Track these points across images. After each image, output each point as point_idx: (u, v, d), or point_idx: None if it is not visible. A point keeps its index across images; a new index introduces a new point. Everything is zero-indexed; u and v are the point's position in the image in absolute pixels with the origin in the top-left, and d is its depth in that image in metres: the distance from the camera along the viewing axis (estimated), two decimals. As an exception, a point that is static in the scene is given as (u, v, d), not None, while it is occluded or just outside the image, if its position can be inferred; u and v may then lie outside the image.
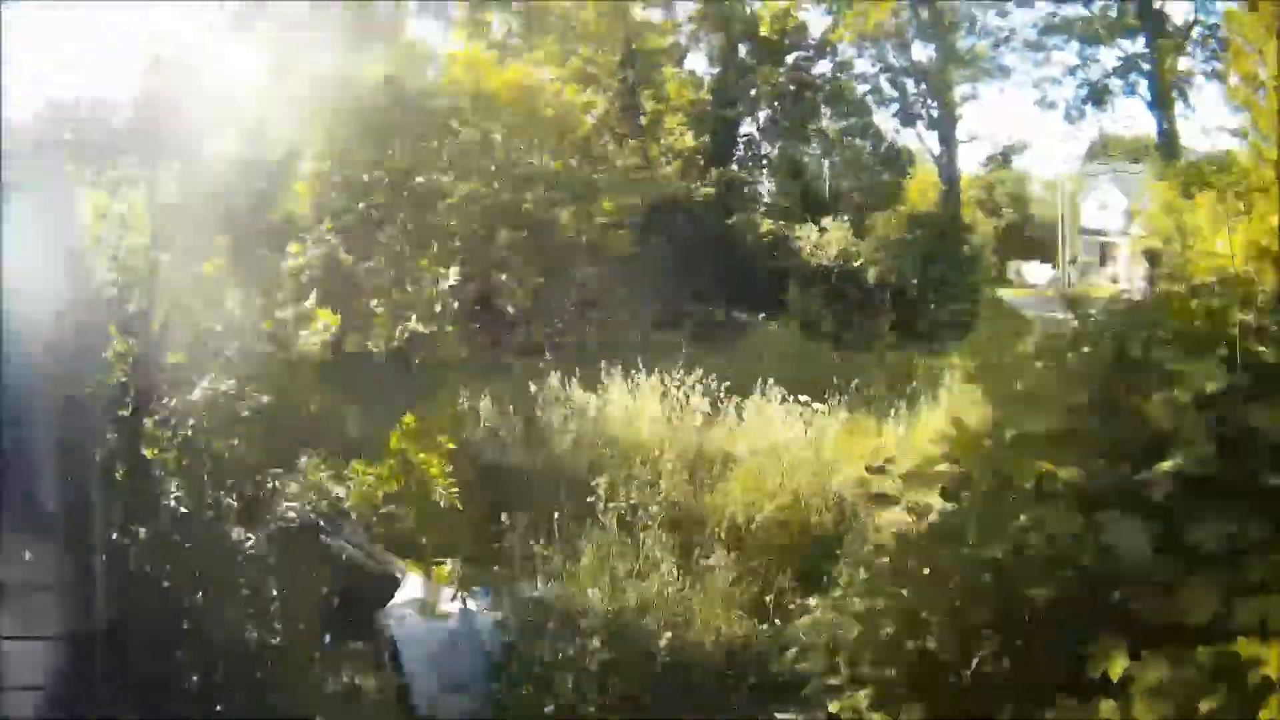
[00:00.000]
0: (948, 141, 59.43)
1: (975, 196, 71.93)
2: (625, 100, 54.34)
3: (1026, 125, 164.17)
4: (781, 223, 49.39)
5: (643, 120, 55.29)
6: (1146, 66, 56.16)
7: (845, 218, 48.24)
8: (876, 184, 54.55)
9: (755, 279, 45.94)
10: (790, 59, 57.96)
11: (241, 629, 12.68)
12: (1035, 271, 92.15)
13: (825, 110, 59.20)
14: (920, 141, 61.36)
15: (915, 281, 45.08)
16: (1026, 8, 59.68)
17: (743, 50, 57.16)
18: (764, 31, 54.62)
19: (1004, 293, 58.42)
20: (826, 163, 57.65)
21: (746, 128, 59.06)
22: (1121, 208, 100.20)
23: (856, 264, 45.37)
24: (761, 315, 43.82)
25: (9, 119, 11.93)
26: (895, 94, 59.95)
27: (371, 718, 14.73)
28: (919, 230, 48.05)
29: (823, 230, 47.27)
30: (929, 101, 58.96)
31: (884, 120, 59.89)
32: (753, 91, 56.57)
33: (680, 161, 53.49)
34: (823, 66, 59.59)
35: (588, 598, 16.35)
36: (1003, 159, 71.81)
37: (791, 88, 56.85)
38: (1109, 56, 58.57)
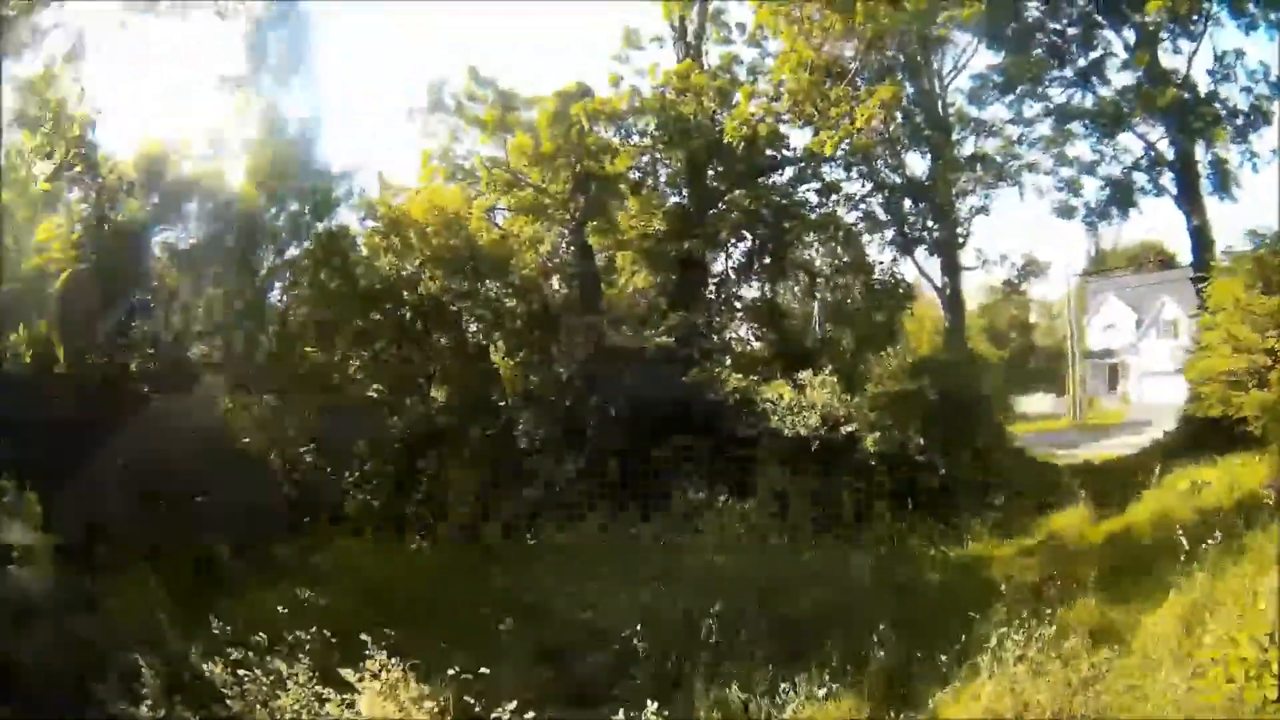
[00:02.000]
0: (952, 268, 50.71)
1: (981, 325, 62.90)
2: (574, 236, 46.84)
3: (1037, 239, 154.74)
4: (752, 379, 39.86)
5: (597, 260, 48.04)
6: (1170, 156, 46.20)
7: (829, 369, 38.74)
8: (870, 326, 45.02)
9: (719, 448, 37.14)
10: (767, 180, 49.68)
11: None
12: (1038, 403, 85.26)
13: (811, 239, 50.51)
14: (919, 271, 52.58)
15: (920, 441, 35.64)
16: (1033, 99, 49.33)
17: (711, 173, 48.60)
18: (729, 138, 45.40)
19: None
20: (814, 304, 48.62)
21: (720, 264, 50.71)
22: (1130, 324, 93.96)
23: (846, 429, 35.96)
24: (725, 495, 34.55)
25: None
26: (888, 216, 51.13)
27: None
28: (923, 380, 38.27)
29: (800, 387, 38.12)
30: (929, 222, 50.14)
31: (877, 249, 51.16)
32: (722, 221, 48.03)
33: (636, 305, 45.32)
34: (805, 186, 51.50)
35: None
36: (1018, 281, 57.21)
37: (767, 213, 48.00)
38: (1134, 147, 48.16)
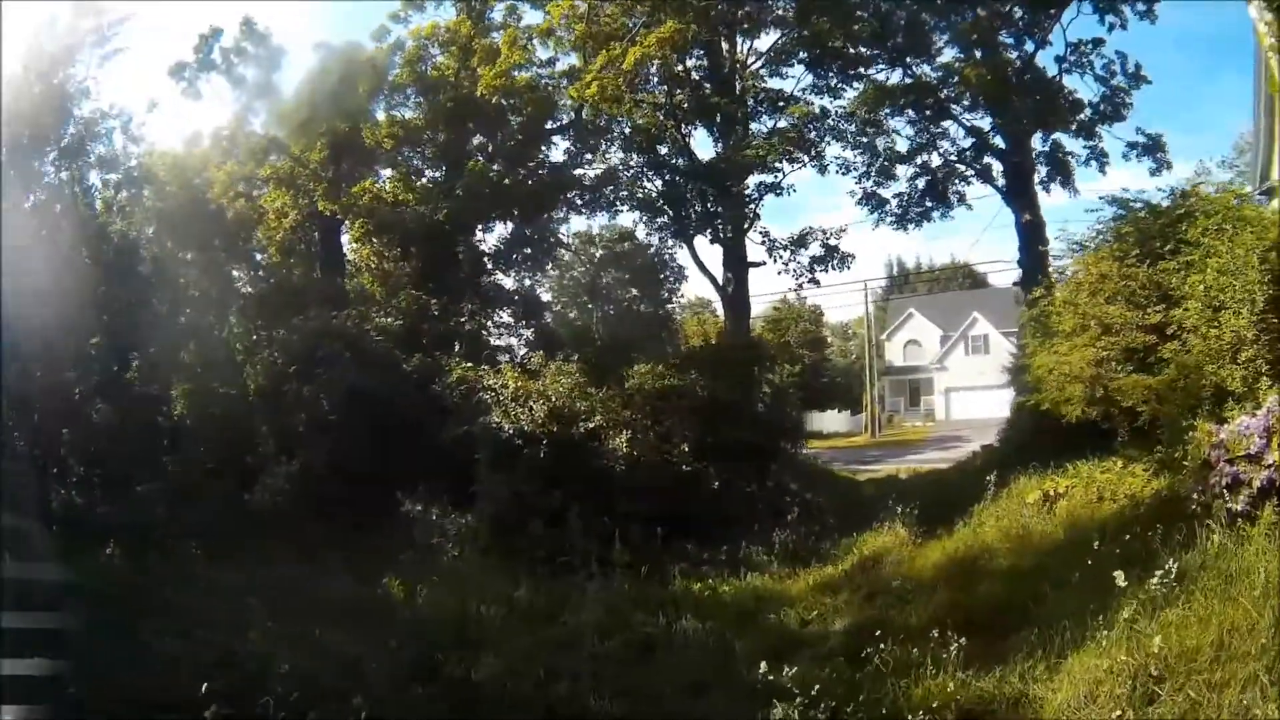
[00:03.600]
0: (737, 260, 44.92)
1: (768, 338, 56.97)
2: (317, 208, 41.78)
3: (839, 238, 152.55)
4: (482, 369, 33.38)
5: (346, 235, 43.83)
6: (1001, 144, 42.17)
7: (574, 356, 32.91)
8: (638, 318, 38.77)
9: (438, 449, 30.60)
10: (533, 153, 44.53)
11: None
12: (832, 421, 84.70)
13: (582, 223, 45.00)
14: (697, 263, 47.38)
15: (685, 448, 29.65)
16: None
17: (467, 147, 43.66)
18: (483, 90, 41.07)
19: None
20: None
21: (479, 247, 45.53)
22: (934, 340, 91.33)
23: (585, 426, 29.53)
24: (448, 505, 27.94)
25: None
26: (664, 198, 45.81)
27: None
28: (689, 374, 32.42)
29: (531, 375, 31.93)
30: (710, 205, 44.43)
31: (648, 234, 45.21)
32: (478, 196, 42.04)
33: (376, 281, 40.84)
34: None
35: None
36: (812, 269, 46.34)
37: (531, 190, 41.87)
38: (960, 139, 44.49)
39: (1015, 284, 41.45)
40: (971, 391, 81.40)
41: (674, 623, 19.10)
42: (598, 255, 41.14)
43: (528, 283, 47.24)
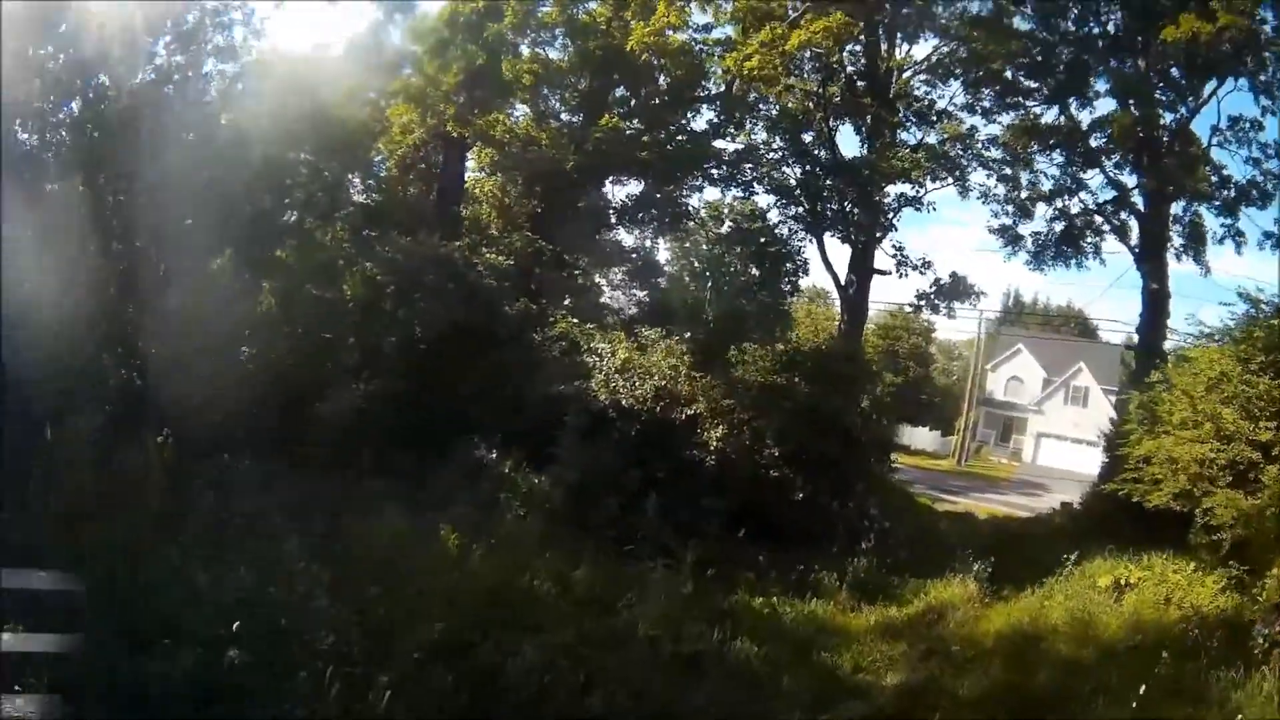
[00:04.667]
0: (863, 265, 43.23)
1: (877, 345, 55.15)
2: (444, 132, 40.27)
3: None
4: (587, 325, 32.21)
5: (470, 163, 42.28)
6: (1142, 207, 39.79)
7: (685, 334, 30.96)
8: (753, 303, 37.28)
9: (523, 400, 29.14)
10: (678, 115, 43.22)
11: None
12: (922, 437, 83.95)
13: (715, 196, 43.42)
14: (824, 260, 45.22)
15: (775, 452, 27.84)
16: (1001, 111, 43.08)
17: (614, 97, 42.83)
18: (634, 44, 39.52)
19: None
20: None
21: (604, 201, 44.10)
22: (1037, 381, 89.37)
23: (688, 411, 27.99)
24: (524, 461, 26.19)
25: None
26: (803, 188, 43.68)
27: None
28: (796, 373, 30.57)
29: (642, 347, 30.40)
30: (848, 204, 42.62)
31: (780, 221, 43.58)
32: (613, 149, 40.73)
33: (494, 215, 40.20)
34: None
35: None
36: (937, 299, 44.93)
37: (667, 145, 40.64)
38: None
39: (1127, 346, 39.93)
40: (1061, 442, 79.97)
41: (728, 641, 18.08)
42: (724, 231, 39.64)
43: (647, 245, 45.85)
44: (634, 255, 45.28)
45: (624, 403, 27.85)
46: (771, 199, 43.58)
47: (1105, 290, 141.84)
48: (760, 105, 44.02)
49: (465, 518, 21.76)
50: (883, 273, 43.98)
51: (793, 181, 43.65)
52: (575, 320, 32.18)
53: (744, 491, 26.49)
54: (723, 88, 43.92)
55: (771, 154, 44.38)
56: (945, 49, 43.17)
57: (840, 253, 44.04)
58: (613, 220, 44.95)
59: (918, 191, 42.64)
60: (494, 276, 32.92)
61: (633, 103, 43.27)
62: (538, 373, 29.76)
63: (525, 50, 43.44)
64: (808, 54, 41.27)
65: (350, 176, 35.53)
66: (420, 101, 40.57)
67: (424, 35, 39.92)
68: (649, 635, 17.57)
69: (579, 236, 40.54)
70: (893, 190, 42.45)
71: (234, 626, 12.89)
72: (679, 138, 43.48)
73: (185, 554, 15.19)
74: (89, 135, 25.73)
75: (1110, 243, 42.89)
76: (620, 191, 45.73)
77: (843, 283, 43.77)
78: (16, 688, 11.54)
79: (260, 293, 30.59)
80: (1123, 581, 22.03)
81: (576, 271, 38.73)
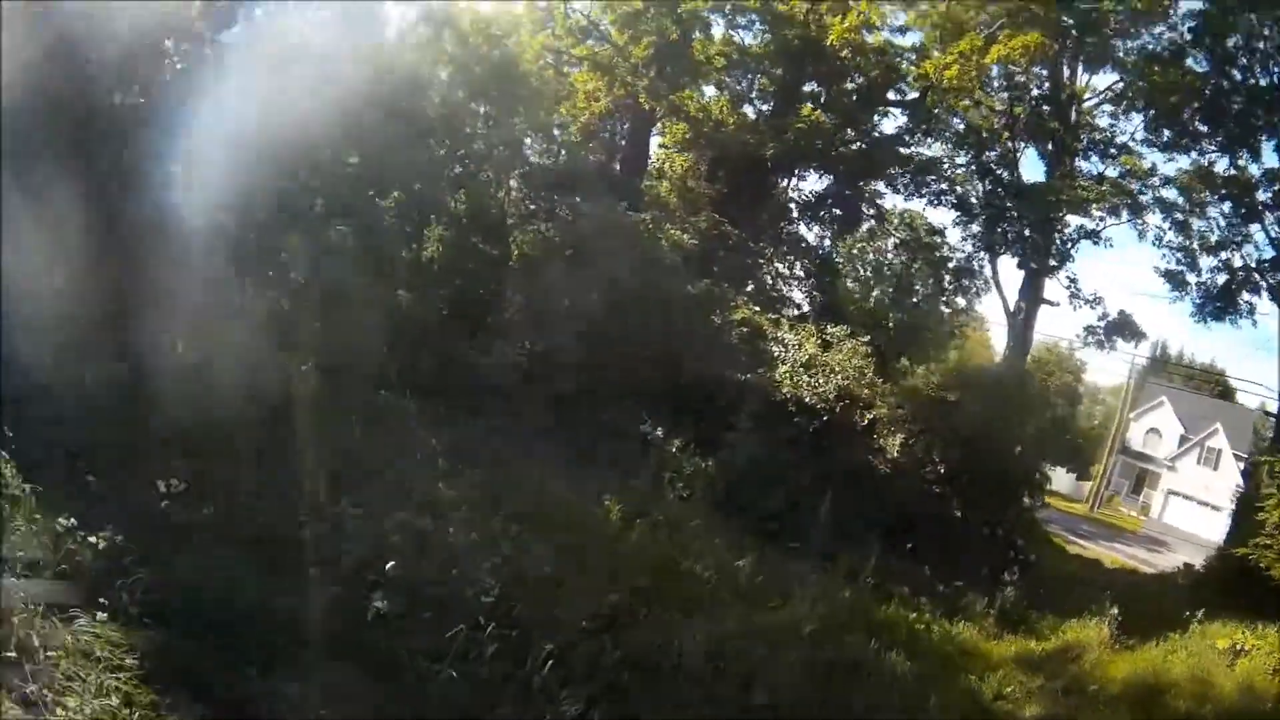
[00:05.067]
0: (1034, 291, 42.18)
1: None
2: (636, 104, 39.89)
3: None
4: (768, 314, 31.63)
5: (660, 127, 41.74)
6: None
7: (866, 337, 30.25)
8: (927, 316, 36.58)
9: (703, 382, 28.24)
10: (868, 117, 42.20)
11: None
12: (1060, 478, 79.54)
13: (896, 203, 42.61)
14: (994, 282, 44.08)
15: (940, 469, 27.35)
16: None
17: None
18: (833, 40, 38.71)
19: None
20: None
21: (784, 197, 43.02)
22: (1175, 436, 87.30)
23: (869, 415, 27.32)
24: (690, 443, 25.54)
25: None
26: (984, 206, 42.72)
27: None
28: (963, 394, 29.63)
29: (826, 344, 29.55)
30: (1026, 230, 41.34)
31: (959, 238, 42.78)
32: (803, 142, 39.56)
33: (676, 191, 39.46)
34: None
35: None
36: (1105, 337, 43.88)
37: (857, 145, 39.87)
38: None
39: (1264, 411, 38.42)
40: (1189, 502, 77.98)
41: (883, 653, 17.51)
42: (902, 239, 39.05)
43: (826, 243, 44.61)
44: (816, 251, 44.30)
45: (806, 398, 27.13)
46: (952, 214, 43.00)
47: (1254, 353, 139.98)
48: (950, 117, 43.41)
49: (630, 491, 21.41)
50: (1052, 304, 43.04)
51: (974, 199, 42.83)
52: (756, 309, 31.47)
53: (908, 504, 26.09)
54: (911, 94, 42.98)
55: (955, 169, 43.63)
56: (1123, 82, 42.27)
57: (1010, 278, 43.17)
58: (794, 214, 44.18)
59: (1097, 226, 41.75)
60: (677, 253, 32.45)
61: (823, 98, 42.16)
62: (715, 356, 29.02)
63: (718, 31, 42.87)
64: (994, 70, 40.66)
65: (529, 135, 35.41)
66: (608, 71, 40.06)
67: (616, 3, 39.64)
68: (811, 636, 16.96)
69: (762, 225, 39.90)
70: (1073, 220, 41.52)
71: (386, 567, 12.59)
72: (868, 139, 42.75)
73: (332, 483, 14.98)
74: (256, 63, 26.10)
75: (1263, 302, 41.30)
76: (803, 186, 44.90)
77: (1011, 309, 42.66)
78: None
79: (424, 240, 30.78)
80: (1238, 647, 21.99)
81: (761, 260, 38.12)
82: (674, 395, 27.17)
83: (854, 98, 42.09)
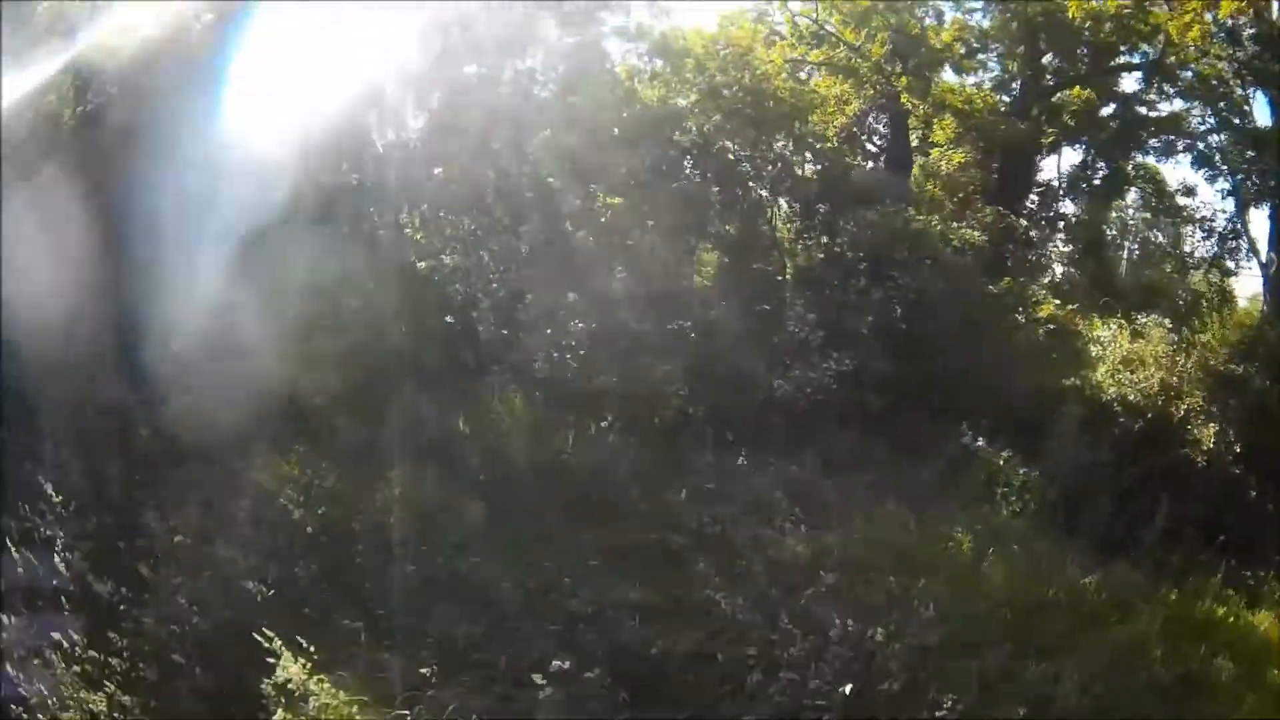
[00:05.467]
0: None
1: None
2: (890, 102, 39.38)
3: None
4: (1071, 308, 31.49)
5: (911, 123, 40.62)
6: None
7: (1165, 320, 30.53)
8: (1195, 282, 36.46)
9: (1015, 388, 28.13)
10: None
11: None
12: None
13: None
14: (1247, 237, 42.52)
15: (1237, 449, 26.74)
16: None
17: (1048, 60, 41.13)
18: (1074, 13, 37.67)
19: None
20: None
21: (1046, 171, 42.85)
22: None
23: (1182, 405, 27.23)
24: (1006, 452, 25.29)
25: None
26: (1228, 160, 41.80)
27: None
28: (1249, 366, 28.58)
29: (1137, 333, 29.69)
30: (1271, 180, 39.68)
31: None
32: (1056, 115, 40.03)
33: (943, 188, 38.96)
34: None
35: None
36: None
37: (1113, 121, 40.03)
38: None
39: None
40: None
41: (1209, 659, 16.82)
42: (1161, 204, 38.94)
43: (1086, 218, 43.28)
44: (1083, 227, 43.30)
45: (1130, 396, 27.19)
46: (1199, 171, 42.75)
47: None
48: (1180, 72, 42.85)
49: (965, 515, 21.52)
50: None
51: (1217, 152, 42.64)
52: (1057, 301, 31.60)
53: (1218, 494, 25.49)
54: (1153, 54, 42.27)
55: (1197, 123, 43.25)
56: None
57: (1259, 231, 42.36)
58: (1061, 194, 43.84)
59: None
60: (969, 253, 32.58)
61: (1070, 72, 42.02)
62: (1024, 358, 29.09)
63: (948, 15, 42.34)
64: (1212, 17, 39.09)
65: (790, 150, 35.93)
66: (852, 73, 40.03)
67: (840, 3, 39.67)
68: (1154, 654, 16.46)
69: (1035, 211, 40.19)
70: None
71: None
72: (1124, 104, 42.35)
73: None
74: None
75: None
76: (1059, 162, 44.40)
77: (1264, 262, 41.21)
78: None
79: (693, 266, 31.66)
80: None
81: (1051, 247, 38.67)
82: (987, 404, 26.78)
83: (1086, 66, 42.01)
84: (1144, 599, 19.01)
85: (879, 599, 16.09)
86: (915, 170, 40.13)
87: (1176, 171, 44.90)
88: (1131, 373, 27.77)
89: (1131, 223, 44.20)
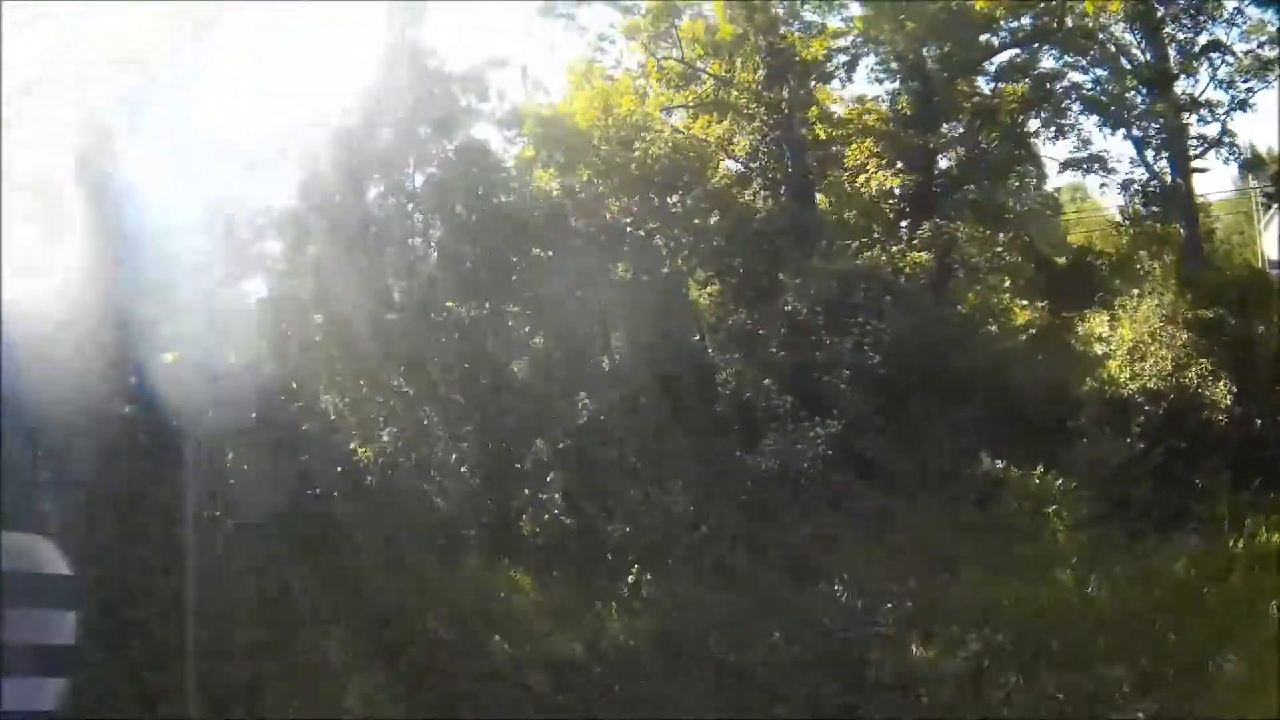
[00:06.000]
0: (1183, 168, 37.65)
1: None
2: (781, 130, 36.85)
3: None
4: (1042, 305, 31.38)
5: (811, 158, 38.30)
6: None
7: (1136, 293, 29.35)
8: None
9: (1006, 397, 27.44)
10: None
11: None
12: None
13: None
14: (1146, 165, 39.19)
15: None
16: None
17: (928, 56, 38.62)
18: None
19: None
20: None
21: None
22: None
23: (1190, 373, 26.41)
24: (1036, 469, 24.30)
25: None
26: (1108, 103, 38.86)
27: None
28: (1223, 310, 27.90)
29: (1114, 320, 28.72)
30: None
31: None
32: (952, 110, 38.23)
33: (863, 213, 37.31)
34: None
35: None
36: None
37: (996, 101, 38.36)
38: None
39: None
40: None
41: None
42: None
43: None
44: (987, 204, 39.88)
45: (1150, 385, 26.47)
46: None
47: None
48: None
49: (1031, 545, 21.44)
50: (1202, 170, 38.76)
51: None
52: (1021, 303, 31.27)
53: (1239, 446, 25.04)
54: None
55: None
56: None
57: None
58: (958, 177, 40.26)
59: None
60: (923, 278, 31.68)
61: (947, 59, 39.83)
62: (1017, 369, 28.61)
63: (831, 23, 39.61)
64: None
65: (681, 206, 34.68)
66: (731, 109, 38.15)
67: (701, 37, 38.37)
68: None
69: (942, 204, 37.50)
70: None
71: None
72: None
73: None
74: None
75: None
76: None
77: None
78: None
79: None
80: None
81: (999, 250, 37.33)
82: (999, 429, 26.14)
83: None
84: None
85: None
86: (823, 198, 38.99)
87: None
88: (1140, 361, 26.98)
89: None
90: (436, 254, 30.66)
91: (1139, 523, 22.49)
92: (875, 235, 35.78)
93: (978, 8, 36.91)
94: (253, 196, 27.67)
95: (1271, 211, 71.89)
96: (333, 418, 25.43)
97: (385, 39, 29.49)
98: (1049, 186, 42.45)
